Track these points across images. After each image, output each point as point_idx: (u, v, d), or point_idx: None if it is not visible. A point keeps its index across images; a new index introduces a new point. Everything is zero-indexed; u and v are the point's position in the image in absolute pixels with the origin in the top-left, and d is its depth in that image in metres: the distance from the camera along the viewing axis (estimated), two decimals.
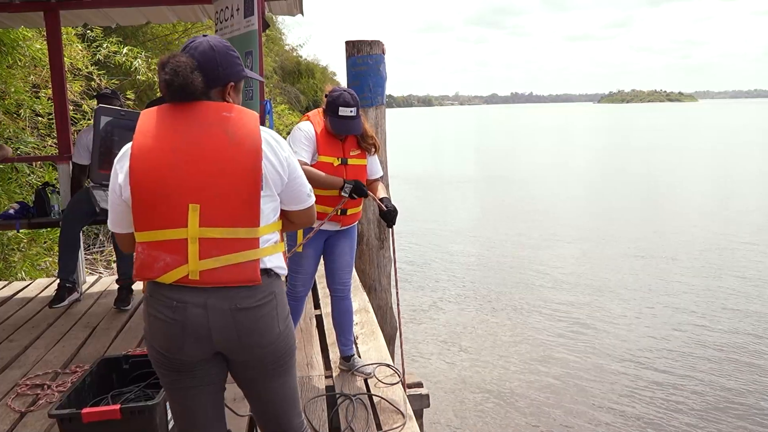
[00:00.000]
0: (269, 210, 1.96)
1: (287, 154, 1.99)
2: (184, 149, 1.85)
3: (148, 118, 1.91)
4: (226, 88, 1.98)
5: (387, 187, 5.31)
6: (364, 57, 5.16)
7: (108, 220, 2.02)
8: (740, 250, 11.86)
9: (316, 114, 3.51)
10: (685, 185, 20.61)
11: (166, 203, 1.84)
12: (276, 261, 1.98)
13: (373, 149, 3.59)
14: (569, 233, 13.49)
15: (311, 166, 3.37)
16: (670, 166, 26.19)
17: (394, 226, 3.69)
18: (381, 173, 3.73)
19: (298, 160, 3.10)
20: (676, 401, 6.13)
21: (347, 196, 3.38)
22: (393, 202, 3.62)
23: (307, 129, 3.43)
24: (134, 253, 1.94)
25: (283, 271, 2.02)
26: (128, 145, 1.92)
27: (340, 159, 3.44)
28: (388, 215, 3.58)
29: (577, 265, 11.00)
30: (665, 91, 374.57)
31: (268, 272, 1.95)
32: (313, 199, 2.14)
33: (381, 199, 3.60)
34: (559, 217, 15.35)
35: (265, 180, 1.92)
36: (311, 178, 3.14)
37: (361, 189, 3.41)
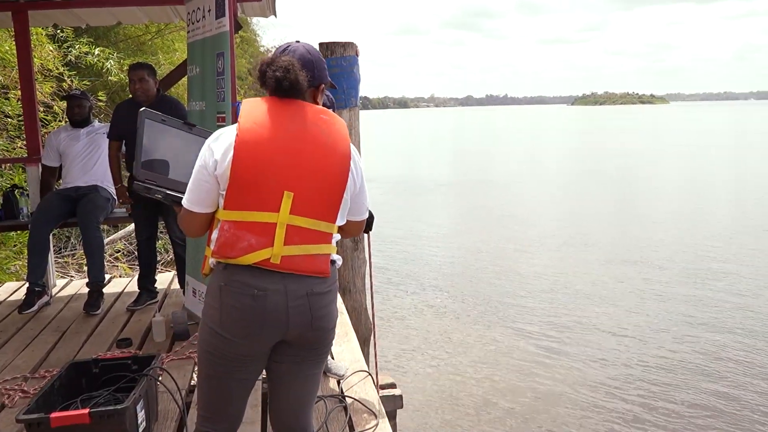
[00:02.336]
0: (342, 212, 2.12)
1: (363, 166, 2.18)
2: (286, 141, 1.97)
3: (253, 107, 2.02)
4: (318, 89, 2.19)
5: None
6: (337, 59, 5.15)
7: (186, 199, 2.07)
8: (715, 251, 11.99)
9: None
10: (659, 187, 20.78)
11: (263, 187, 1.94)
12: (336, 256, 2.14)
13: None
14: (548, 238, 13.47)
15: None
16: (644, 168, 26.47)
17: (370, 231, 3.71)
18: None
19: None
20: (658, 405, 6.15)
21: None
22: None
23: None
24: (216, 231, 2.01)
25: (341, 262, 2.21)
26: (226, 129, 2.04)
27: None
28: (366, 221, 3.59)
29: (556, 270, 10.97)
30: (637, 94, 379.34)
31: (333, 263, 2.11)
32: (367, 214, 2.30)
33: None
34: (537, 222, 15.34)
35: (347, 185, 2.08)
36: None
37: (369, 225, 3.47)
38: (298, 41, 2.21)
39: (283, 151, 1.96)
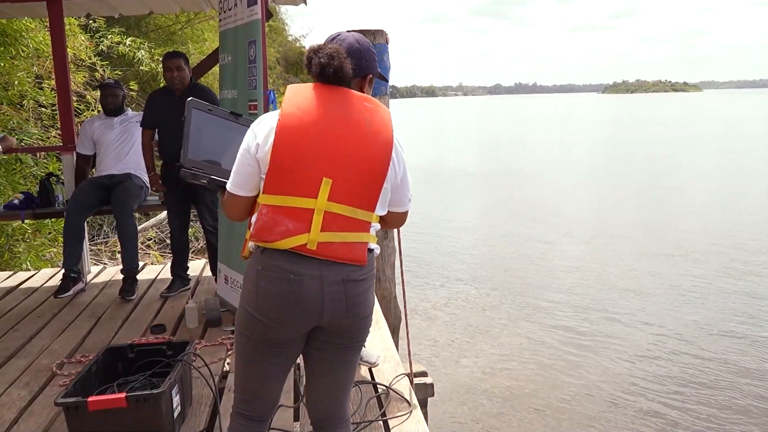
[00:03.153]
0: (382, 202, 2.10)
1: (405, 156, 2.16)
2: (328, 127, 1.97)
3: (297, 92, 2.02)
4: (365, 79, 2.20)
5: None
6: None
7: (230, 182, 2.10)
8: (753, 243, 11.66)
9: None
10: (693, 177, 20.36)
11: (302, 172, 1.95)
12: (374, 245, 2.13)
13: None
14: (578, 229, 13.20)
15: None
16: (678, 158, 25.93)
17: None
18: None
19: None
20: (697, 409, 5.91)
21: None
22: None
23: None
24: (255, 216, 2.02)
25: (378, 251, 2.19)
26: (270, 114, 2.06)
27: None
28: None
29: (588, 263, 10.73)
30: (670, 81, 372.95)
31: (370, 251, 2.11)
32: (411, 205, 2.29)
33: None
34: (567, 213, 15.06)
35: (387, 174, 2.06)
36: None
37: None
38: (349, 31, 2.22)
39: (323, 137, 1.96)
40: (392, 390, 3.34)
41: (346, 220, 1.99)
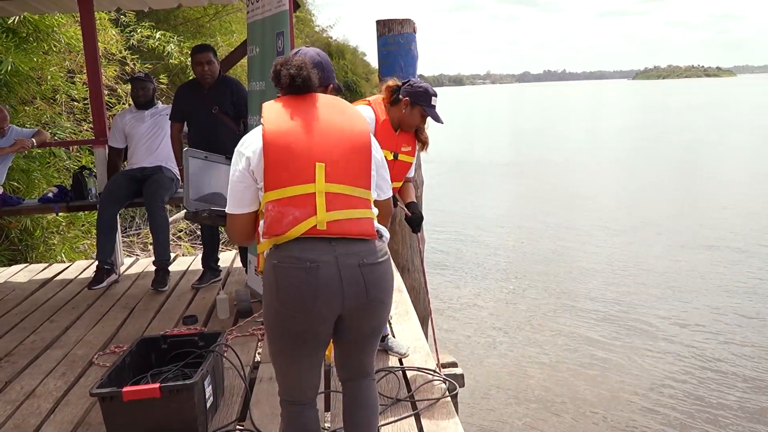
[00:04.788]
0: (374, 182, 2.24)
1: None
2: (308, 122, 2.14)
3: (272, 104, 2.20)
4: (328, 89, 2.40)
5: (419, 170, 5.29)
6: (395, 36, 5.10)
7: (228, 206, 2.22)
8: None
9: (379, 102, 3.45)
10: (730, 164, 19.92)
11: (296, 162, 2.07)
12: (383, 230, 2.24)
13: (425, 145, 3.56)
14: (613, 221, 12.88)
15: None
16: (713, 145, 25.34)
17: (419, 232, 3.75)
18: (413, 174, 3.72)
19: None
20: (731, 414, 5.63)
21: None
22: (418, 201, 3.64)
23: (369, 118, 3.34)
24: (264, 214, 2.09)
25: (389, 237, 2.28)
26: (250, 133, 2.21)
27: (393, 153, 3.41)
28: (413, 221, 3.63)
29: (623, 256, 10.44)
30: (703, 66, 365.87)
31: (380, 235, 2.20)
32: (391, 192, 2.43)
33: (408, 205, 3.61)
34: (600, 203, 14.73)
35: (372, 153, 2.22)
36: None
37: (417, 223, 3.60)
38: (308, 46, 2.46)
39: (307, 131, 2.11)
40: (422, 379, 3.34)
41: (347, 198, 2.10)
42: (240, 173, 2.15)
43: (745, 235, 11.39)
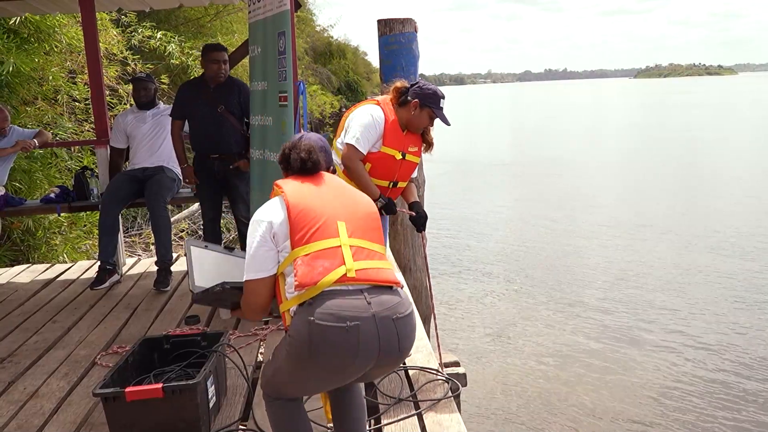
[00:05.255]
0: (387, 243, 2.51)
1: None
2: (325, 191, 2.34)
3: (286, 181, 2.36)
4: (329, 171, 2.52)
5: (421, 169, 5.29)
6: (396, 35, 5.11)
7: (248, 272, 2.26)
8: None
9: (388, 103, 3.49)
10: (731, 163, 19.79)
11: (320, 220, 2.22)
12: (402, 278, 2.41)
13: (431, 146, 3.60)
14: (616, 221, 12.79)
15: (373, 154, 3.41)
16: (715, 144, 25.23)
17: (424, 231, 3.77)
18: (416, 174, 3.76)
19: (351, 148, 3.18)
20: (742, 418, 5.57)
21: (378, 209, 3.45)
22: (421, 200, 3.67)
23: (380, 118, 3.42)
24: (293, 270, 2.17)
25: (406, 287, 2.50)
26: (266, 205, 2.34)
27: (401, 153, 3.44)
28: (418, 220, 3.68)
29: (626, 257, 10.35)
30: (704, 65, 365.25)
31: (401, 287, 2.33)
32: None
33: (411, 204, 3.68)
34: (603, 203, 14.63)
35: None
36: (356, 174, 3.22)
37: (391, 208, 3.53)
38: (308, 132, 2.66)
39: (326, 196, 2.31)
40: (424, 379, 3.34)
41: (369, 251, 2.26)
42: (261, 237, 2.23)
43: (750, 236, 11.29)
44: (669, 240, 11.35)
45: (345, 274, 2.14)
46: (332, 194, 2.34)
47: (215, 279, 2.69)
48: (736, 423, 5.49)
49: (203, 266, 2.69)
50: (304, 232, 2.19)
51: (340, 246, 2.19)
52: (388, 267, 2.29)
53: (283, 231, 2.22)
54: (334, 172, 2.59)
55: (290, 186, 2.31)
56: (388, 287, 2.24)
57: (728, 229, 11.81)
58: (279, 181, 2.36)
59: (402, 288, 2.32)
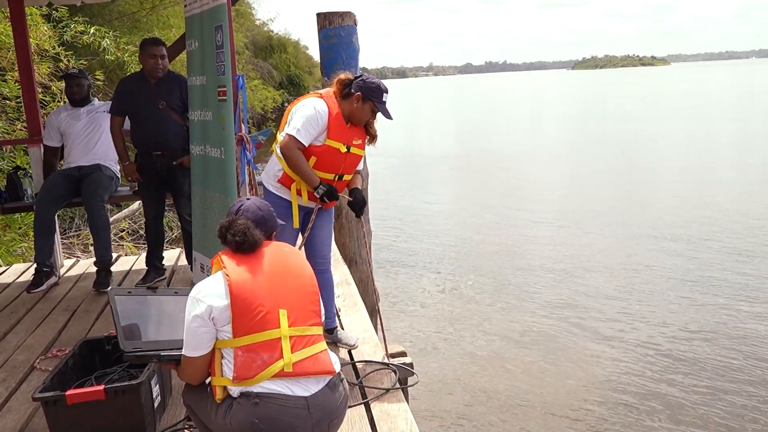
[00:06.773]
0: (322, 310, 2.48)
1: None
2: (265, 273, 2.32)
3: (229, 260, 2.32)
4: (272, 237, 2.52)
5: (365, 161, 5.30)
6: (336, 29, 5.10)
7: (186, 349, 2.28)
8: (726, 218, 11.69)
9: (331, 96, 3.48)
10: (668, 153, 20.32)
11: (262, 311, 2.24)
12: (336, 360, 2.42)
13: (374, 139, 3.62)
14: (559, 212, 12.92)
15: (317, 147, 3.41)
16: (650, 132, 25.90)
17: (362, 216, 3.84)
18: (361, 167, 3.78)
19: (291, 138, 3.16)
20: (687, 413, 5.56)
21: (319, 198, 3.47)
22: (364, 193, 3.70)
23: (323, 111, 3.40)
24: (232, 358, 2.23)
25: (340, 366, 2.46)
26: (205, 281, 2.32)
27: (345, 146, 3.45)
28: (355, 205, 3.70)
29: (571, 248, 10.46)
30: (638, 56, 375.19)
31: (340, 377, 2.40)
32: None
33: (352, 191, 3.69)
34: (545, 195, 14.79)
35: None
36: (295, 164, 3.21)
37: (333, 194, 3.51)
38: (248, 198, 2.55)
39: (267, 280, 2.30)
40: (371, 370, 3.37)
41: (306, 338, 2.31)
42: (201, 319, 2.22)
43: (689, 224, 11.62)
44: (610, 230, 11.54)
45: (282, 369, 2.21)
46: (275, 277, 2.33)
47: (144, 327, 2.68)
48: (685, 394, 5.69)
49: (129, 317, 2.65)
50: (246, 321, 2.22)
51: (280, 338, 2.24)
52: (322, 349, 2.35)
53: (224, 317, 2.23)
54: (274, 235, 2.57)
55: (232, 268, 2.29)
56: (326, 378, 2.31)
57: (668, 218, 12.10)
58: (222, 256, 2.35)
59: (333, 374, 2.35)
